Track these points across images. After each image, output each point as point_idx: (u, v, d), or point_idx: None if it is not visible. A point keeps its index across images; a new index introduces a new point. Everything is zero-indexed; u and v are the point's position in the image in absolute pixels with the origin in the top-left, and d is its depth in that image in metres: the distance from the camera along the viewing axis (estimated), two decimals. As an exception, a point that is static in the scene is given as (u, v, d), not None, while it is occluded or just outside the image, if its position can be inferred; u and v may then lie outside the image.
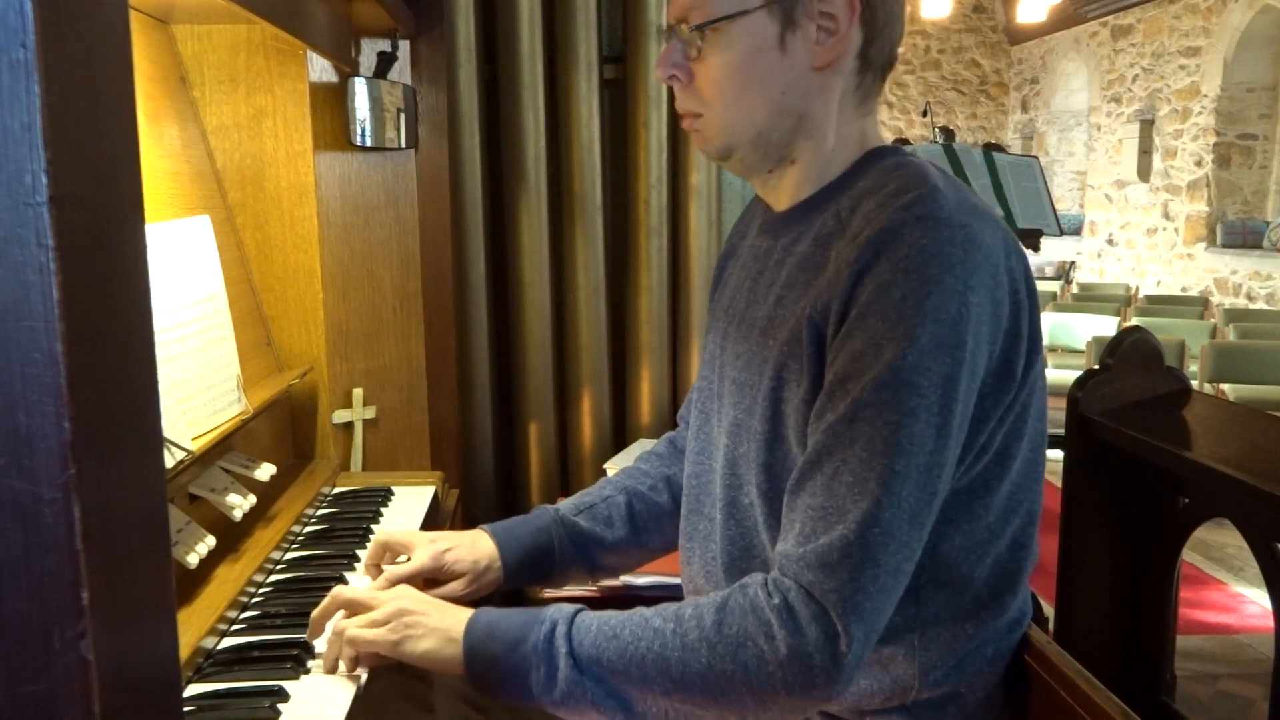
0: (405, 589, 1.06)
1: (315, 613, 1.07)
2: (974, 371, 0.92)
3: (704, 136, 1.07)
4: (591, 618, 0.97)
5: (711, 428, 1.15)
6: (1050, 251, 10.01)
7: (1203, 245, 8.39)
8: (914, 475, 0.89)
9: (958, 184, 1.00)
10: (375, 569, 1.19)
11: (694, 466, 1.18)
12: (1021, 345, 0.96)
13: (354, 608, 1.04)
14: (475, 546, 1.21)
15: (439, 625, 0.99)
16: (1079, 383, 2.31)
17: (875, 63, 1.03)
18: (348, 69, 1.71)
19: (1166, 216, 8.97)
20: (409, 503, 1.57)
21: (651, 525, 1.29)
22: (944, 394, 0.89)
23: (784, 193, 1.09)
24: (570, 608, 0.99)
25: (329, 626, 1.06)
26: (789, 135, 1.03)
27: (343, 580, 1.25)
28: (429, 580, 1.18)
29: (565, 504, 1.29)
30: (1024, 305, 0.96)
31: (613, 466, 2.09)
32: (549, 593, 1.83)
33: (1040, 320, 1.00)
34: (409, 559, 1.18)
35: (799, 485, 0.94)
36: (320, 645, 1.06)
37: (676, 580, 1.23)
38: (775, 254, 1.08)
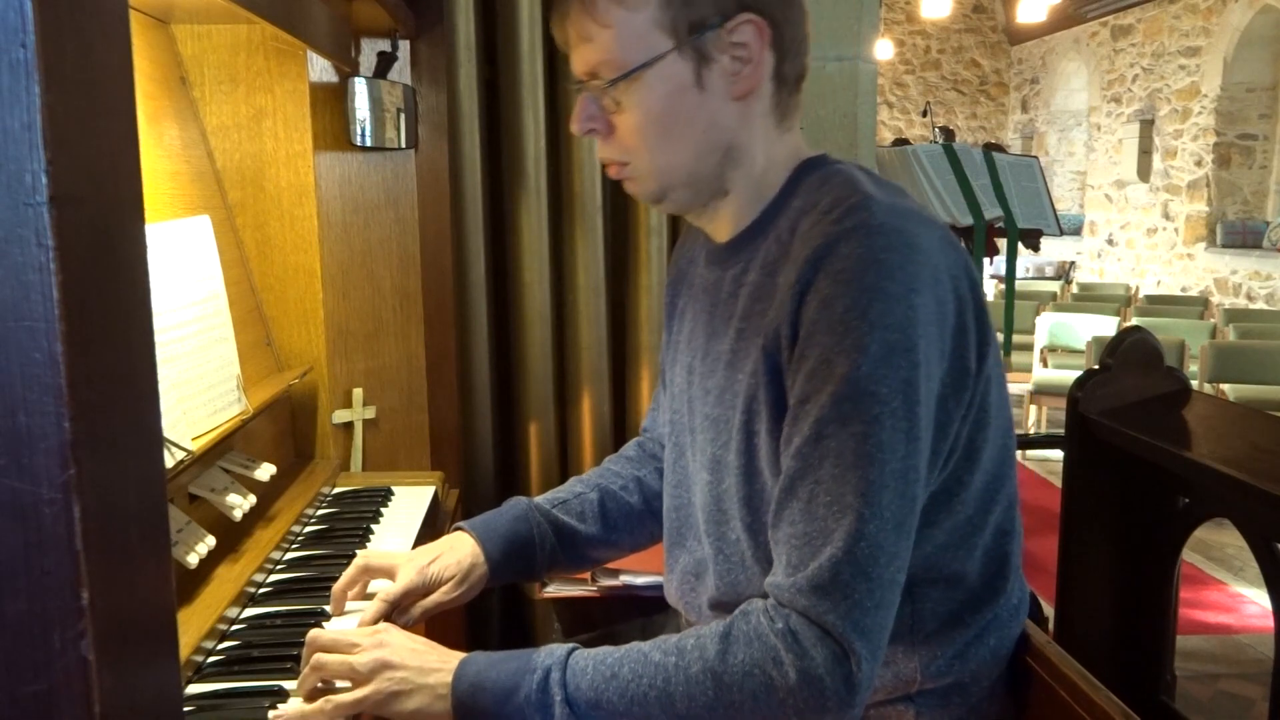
0: (385, 633, 0.99)
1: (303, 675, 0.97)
2: (930, 373, 0.91)
3: (636, 183, 1.05)
4: (585, 657, 0.94)
5: (687, 462, 1.14)
6: (1050, 251, 10.01)
7: (1203, 245, 8.39)
8: (891, 483, 0.88)
9: (890, 186, 1.00)
10: (344, 596, 1.14)
11: (672, 500, 1.17)
12: (970, 339, 0.95)
13: (332, 651, 0.97)
14: (456, 549, 1.18)
15: (425, 680, 0.94)
16: (1079, 383, 2.31)
17: (789, 78, 1.04)
18: (348, 69, 1.71)
19: (1166, 216, 8.97)
20: (409, 503, 1.57)
21: (622, 524, 1.29)
22: (905, 398, 0.88)
23: (723, 223, 1.09)
24: (563, 649, 0.95)
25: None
26: (719, 168, 1.03)
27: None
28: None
29: (538, 499, 1.28)
30: (967, 300, 0.95)
31: (613, 466, 2.09)
32: (548, 592, 1.83)
33: (987, 311, 0.99)
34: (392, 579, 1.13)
35: (778, 516, 0.93)
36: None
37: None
38: (725, 285, 1.08)
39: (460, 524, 1.23)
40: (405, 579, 1.12)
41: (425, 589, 1.14)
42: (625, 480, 1.31)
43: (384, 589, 1.12)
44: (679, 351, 1.17)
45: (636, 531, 1.30)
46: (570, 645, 0.97)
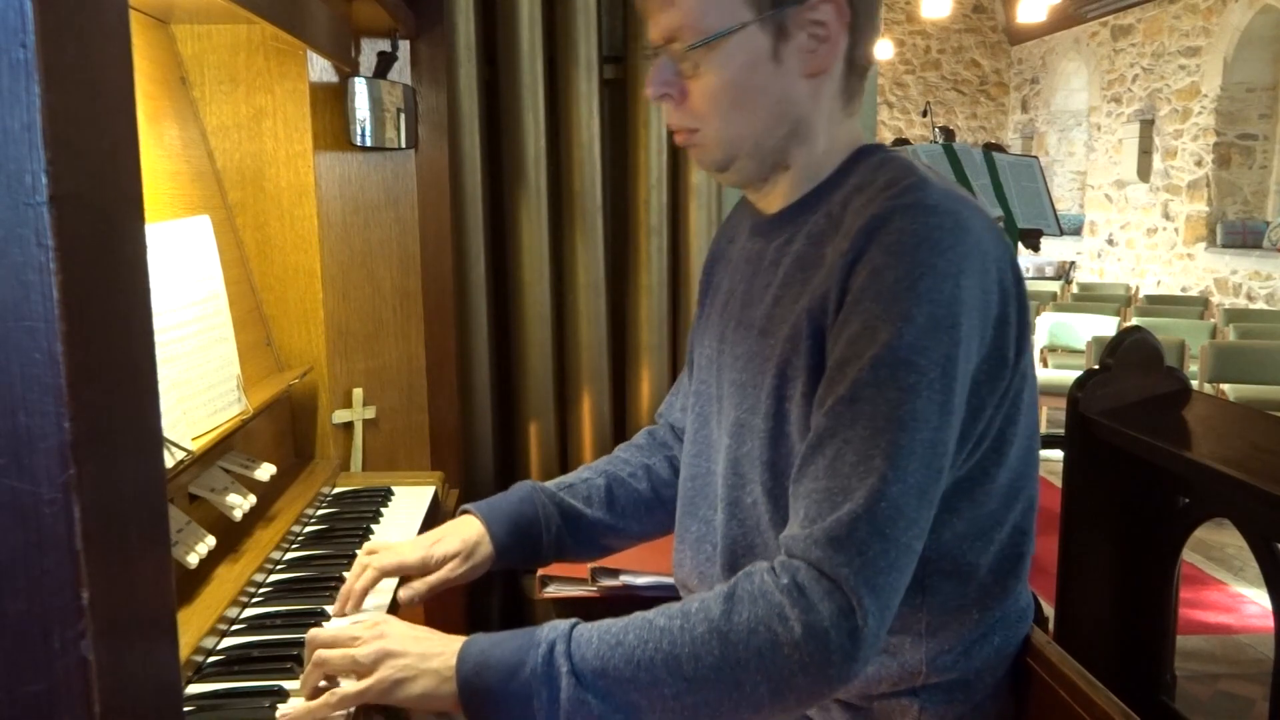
0: (385, 624, 0.98)
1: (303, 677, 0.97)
2: (969, 354, 0.93)
3: (703, 150, 1.08)
4: (590, 629, 0.94)
5: (711, 430, 1.15)
6: (1050, 251, 10.01)
7: (1203, 245, 8.39)
8: (919, 451, 0.89)
9: (944, 177, 1.02)
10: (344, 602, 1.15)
11: (690, 469, 1.18)
12: (1011, 332, 0.97)
13: (332, 647, 0.96)
14: (460, 529, 1.21)
15: (428, 665, 0.93)
16: (1079, 383, 2.30)
17: (859, 63, 1.06)
18: (348, 69, 1.71)
19: (1166, 216, 8.97)
20: (409, 503, 1.57)
21: (629, 510, 1.30)
22: (944, 372, 0.90)
23: (776, 196, 1.11)
24: (565, 623, 0.95)
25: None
26: (784, 142, 1.05)
27: (342, 580, 1.24)
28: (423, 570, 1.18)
29: (544, 483, 1.30)
30: (1011, 293, 0.97)
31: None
32: (548, 592, 1.83)
33: (1029, 309, 1.01)
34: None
35: (802, 471, 0.94)
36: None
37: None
38: (769, 255, 1.10)
39: (466, 506, 1.26)
40: (405, 555, 1.16)
41: (426, 567, 1.17)
42: (634, 468, 1.32)
43: (378, 560, 1.15)
44: (710, 323, 1.19)
45: (644, 519, 1.31)
46: (573, 620, 0.96)
